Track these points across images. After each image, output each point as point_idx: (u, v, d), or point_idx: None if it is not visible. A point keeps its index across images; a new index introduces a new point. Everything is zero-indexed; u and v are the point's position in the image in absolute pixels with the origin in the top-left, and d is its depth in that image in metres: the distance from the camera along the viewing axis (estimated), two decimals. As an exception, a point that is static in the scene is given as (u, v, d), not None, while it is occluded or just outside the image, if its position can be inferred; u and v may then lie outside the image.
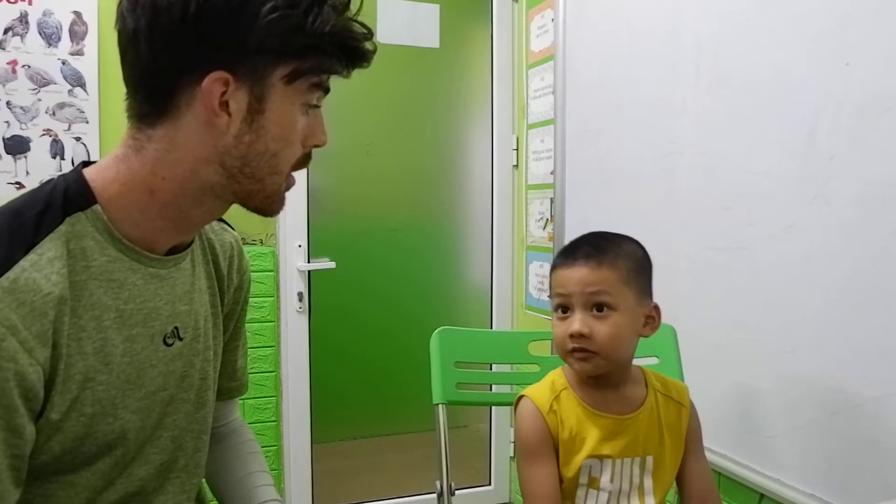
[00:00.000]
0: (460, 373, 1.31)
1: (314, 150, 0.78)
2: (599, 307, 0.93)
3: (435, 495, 1.24)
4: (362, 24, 0.73)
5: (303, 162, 0.76)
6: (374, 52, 0.74)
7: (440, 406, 1.27)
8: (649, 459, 0.97)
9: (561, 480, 0.97)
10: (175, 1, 0.65)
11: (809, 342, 1.21)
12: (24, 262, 0.63)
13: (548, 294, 1.06)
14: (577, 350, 0.93)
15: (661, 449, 0.98)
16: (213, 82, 0.67)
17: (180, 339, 0.78)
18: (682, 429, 1.00)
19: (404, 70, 2.40)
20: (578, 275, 0.94)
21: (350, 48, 0.72)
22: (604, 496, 0.95)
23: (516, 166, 2.45)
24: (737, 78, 1.36)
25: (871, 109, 1.09)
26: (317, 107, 0.75)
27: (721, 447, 1.40)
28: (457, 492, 1.24)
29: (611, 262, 0.94)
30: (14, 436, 0.63)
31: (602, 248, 0.96)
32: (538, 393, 1.00)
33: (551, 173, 2.12)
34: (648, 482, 0.97)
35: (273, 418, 2.23)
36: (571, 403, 0.97)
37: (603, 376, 0.97)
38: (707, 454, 1.40)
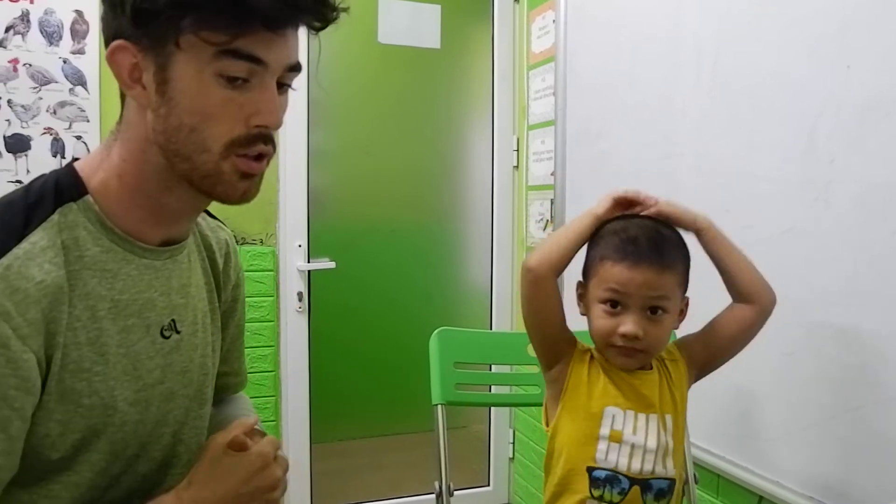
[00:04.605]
0: (460, 373, 1.31)
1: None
2: (654, 310, 0.94)
3: (433, 496, 1.24)
4: None
5: (251, 142, 0.68)
6: (282, 6, 0.64)
7: (439, 406, 1.27)
8: (668, 418, 0.97)
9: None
10: None
11: (808, 345, 1.21)
12: (17, 251, 0.63)
13: (581, 279, 1.00)
14: (624, 347, 0.94)
15: (675, 408, 0.98)
16: (117, 52, 0.66)
17: (178, 333, 0.78)
18: (684, 384, 1.01)
19: (405, 70, 2.40)
20: (643, 278, 0.92)
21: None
22: (626, 449, 0.93)
23: (517, 167, 2.45)
24: (737, 80, 1.36)
25: (871, 113, 1.09)
26: (246, 80, 0.66)
27: (720, 449, 1.40)
28: (455, 492, 1.24)
29: (672, 267, 0.95)
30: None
31: (664, 251, 0.95)
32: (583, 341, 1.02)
33: (552, 174, 2.12)
34: (671, 443, 0.96)
35: (272, 418, 2.23)
36: (597, 361, 0.99)
37: None
38: (706, 456, 1.41)
